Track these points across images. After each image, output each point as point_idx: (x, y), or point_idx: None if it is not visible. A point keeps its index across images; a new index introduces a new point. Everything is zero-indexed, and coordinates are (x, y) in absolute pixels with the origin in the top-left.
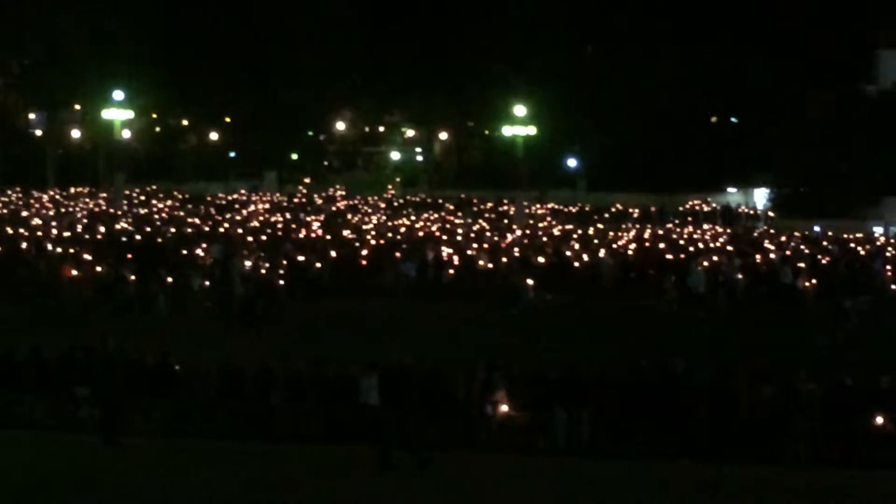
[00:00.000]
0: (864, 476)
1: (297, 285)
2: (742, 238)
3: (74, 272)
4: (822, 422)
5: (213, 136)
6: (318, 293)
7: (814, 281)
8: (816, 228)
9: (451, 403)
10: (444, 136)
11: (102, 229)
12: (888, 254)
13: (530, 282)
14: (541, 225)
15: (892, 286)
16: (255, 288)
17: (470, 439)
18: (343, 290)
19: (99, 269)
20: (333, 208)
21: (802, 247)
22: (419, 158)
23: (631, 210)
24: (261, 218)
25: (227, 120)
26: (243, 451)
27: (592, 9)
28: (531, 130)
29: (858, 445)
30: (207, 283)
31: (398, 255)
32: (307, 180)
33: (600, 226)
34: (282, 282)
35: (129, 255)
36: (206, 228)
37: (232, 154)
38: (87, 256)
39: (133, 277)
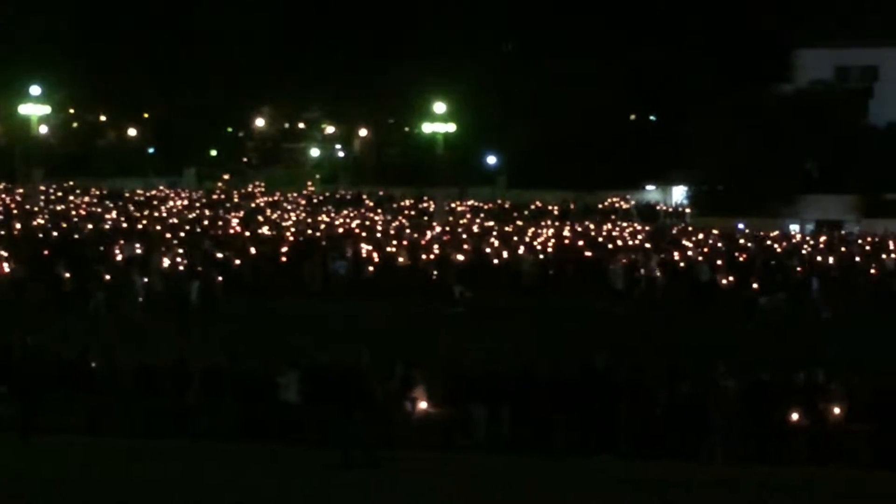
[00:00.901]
0: (780, 471)
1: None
2: (660, 235)
3: None
4: (739, 418)
5: (132, 132)
6: (238, 290)
7: (731, 278)
8: (740, 226)
9: (370, 401)
10: (363, 132)
11: (18, 226)
12: (803, 251)
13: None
14: (461, 222)
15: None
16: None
17: (388, 437)
18: (262, 288)
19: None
20: (252, 205)
21: (720, 244)
22: (339, 155)
23: (550, 207)
24: (179, 214)
25: (146, 116)
26: (158, 448)
27: (512, 5)
28: (451, 127)
29: (774, 441)
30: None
31: (323, 252)
32: (226, 177)
33: (520, 223)
34: (220, 278)
35: (46, 252)
36: (125, 225)
37: (151, 150)
38: (3, 252)
39: (68, 275)
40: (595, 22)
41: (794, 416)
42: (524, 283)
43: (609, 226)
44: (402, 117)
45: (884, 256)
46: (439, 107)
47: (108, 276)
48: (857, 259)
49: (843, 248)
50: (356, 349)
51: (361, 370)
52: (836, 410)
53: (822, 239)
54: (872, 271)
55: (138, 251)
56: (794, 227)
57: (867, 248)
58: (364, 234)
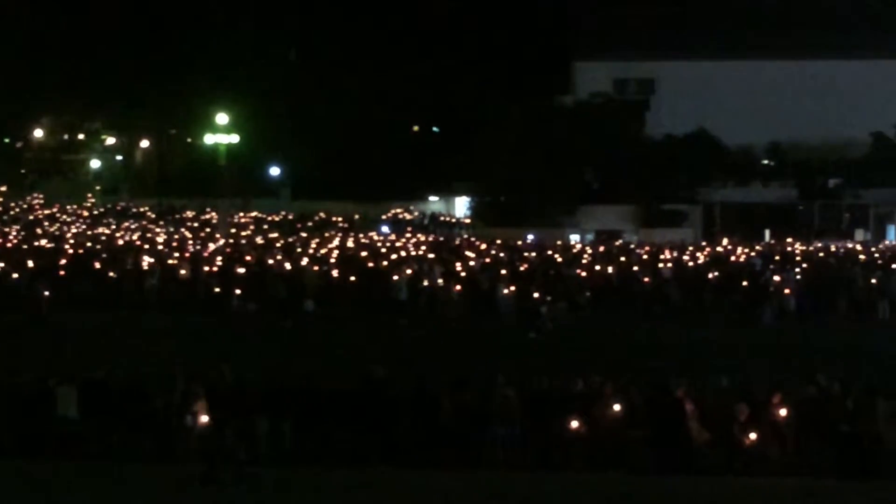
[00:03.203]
0: (560, 479)
1: None
2: (444, 245)
3: None
4: (520, 426)
5: None
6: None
7: (512, 287)
8: (531, 237)
9: (151, 415)
10: (145, 143)
11: None
12: (584, 261)
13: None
14: (244, 234)
15: (587, 293)
16: None
17: (169, 450)
18: (40, 300)
19: None
20: (31, 217)
21: (502, 254)
22: (121, 166)
23: (335, 218)
24: None
25: None
26: None
27: (295, 17)
28: (234, 138)
29: (555, 448)
30: None
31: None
32: (3, 189)
33: (304, 234)
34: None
35: None
36: None
37: None
38: None
39: None
40: (379, 35)
41: (574, 424)
42: (308, 294)
43: (394, 236)
44: (185, 128)
45: (660, 265)
46: (222, 118)
47: None
48: (635, 268)
49: (621, 258)
50: (138, 363)
51: (142, 384)
52: (613, 417)
53: (602, 248)
54: (646, 280)
55: None
56: (575, 237)
57: (645, 257)
58: (146, 246)
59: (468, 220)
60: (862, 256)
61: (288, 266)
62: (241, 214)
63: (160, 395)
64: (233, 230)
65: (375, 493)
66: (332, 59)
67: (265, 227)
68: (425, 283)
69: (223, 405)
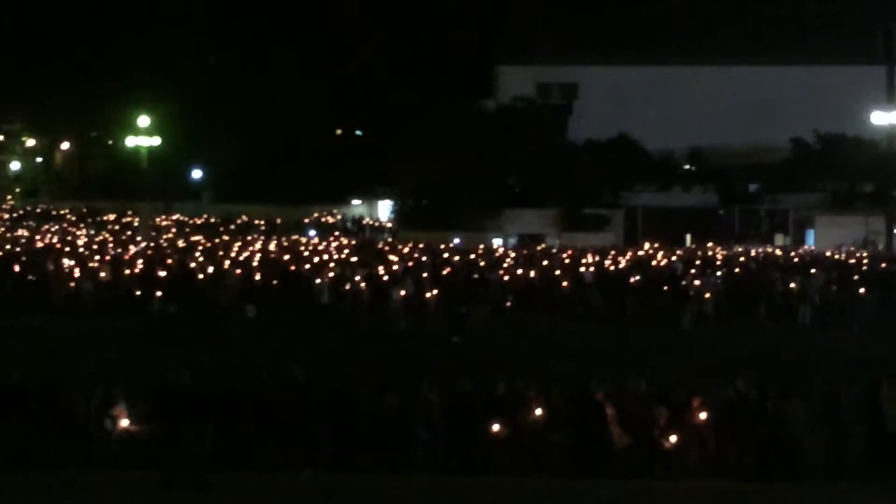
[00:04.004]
0: (481, 482)
1: None
2: (366, 249)
3: None
4: (442, 430)
5: None
6: None
7: (435, 291)
8: (456, 240)
9: (69, 420)
10: (66, 145)
11: None
12: (506, 264)
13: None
14: (165, 237)
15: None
16: None
17: (88, 456)
18: None
19: None
20: None
21: (424, 258)
22: (41, 168)
23: (257, 222)
24: None
25: None
26: None
27: (216, 19)
28: (156, 141)
29: (478, 452)
30: None
31: None
32: None
33: (226, 237)
34: None
35: None
36: None
37: None
38: None
39: None
40: (300, 38)
41: (495, 427)
42: (228, 296)
43: (316, 240)
44: (106, 130)
45: (582, 269)
46: (143, 120)
47: None
48: (557, 272)
49: (544, 262)
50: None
51: (61, 387)
52: (535, 420)
53: (524, 252)
54: (564, 284)
55: None
56: (498, 241)
57: (567, 261)
58: (66, 248)
59: (390, 224)
60: (780, 261)
61: (210, 269)
62: (163, 217)
63: (79, 399)
64: (153, 233)
65: (295, 498)
66: (253, 61)
67: (187, 230)
68: (347, 286)
69: (181, 410)
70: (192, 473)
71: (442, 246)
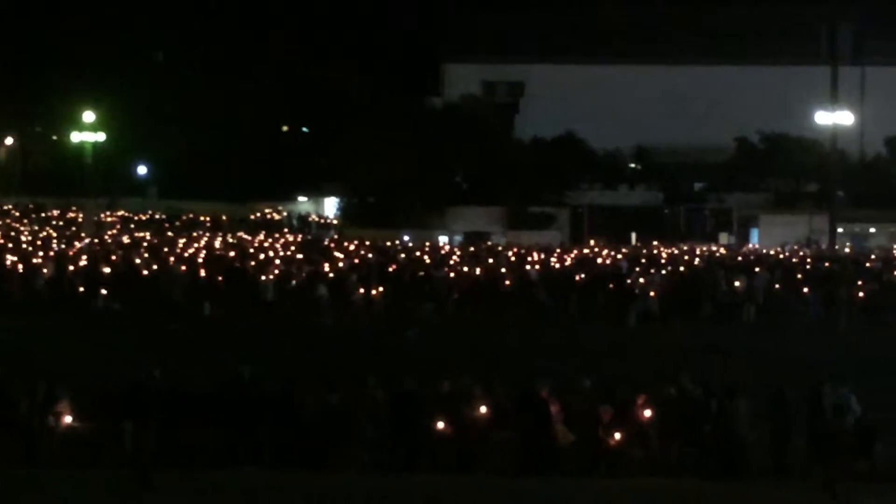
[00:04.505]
0: (425, 479)
1: None
2: (312, 246)
3: None
4: (388, 428)
5: None
6: None
7: (381, 289)
8: (406, 237)
9: (11, 417)
10: (9, 140)
11: None
12: (452, 262)
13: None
14: (110, 233)
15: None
16: None
17: (31, 453)
18: None
19: None
20: None
21: (370, 255)
22: None
23: (203, 218)
24: None
25: None
26: None
27: (162, 16)
28: (101, 137)
29: (423, 450)
30: None
31: None
32: None
33: (171, 234)
34: None
35: None
36: None
37: None
38: None
39: None
40: (247, 34)
41: (440, 424)
42: (173, 294)
43: (262, 237)
44: (50, 125)
45: (527, 267)
46: (88, 116)
47: None
48: (503, 270)
49: (489, 259)
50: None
51: (3, 384)
52: (480, 418)
53: (470, 250)
54: (509, 282)
55: None
56: (444, 239)
57: (512, 258)
58: (10, 245)
59: (336, 221)
60: (724, 260)
61: (155, 266)
62: (108, 213)
63: (22, 397)
64: (98, 229)
65: (239, 495)
66: (199, 58)
67: (132, 226)
68: (293, 283)
69: (153, 408)
70: (136, 471)
71: (388, 243)
